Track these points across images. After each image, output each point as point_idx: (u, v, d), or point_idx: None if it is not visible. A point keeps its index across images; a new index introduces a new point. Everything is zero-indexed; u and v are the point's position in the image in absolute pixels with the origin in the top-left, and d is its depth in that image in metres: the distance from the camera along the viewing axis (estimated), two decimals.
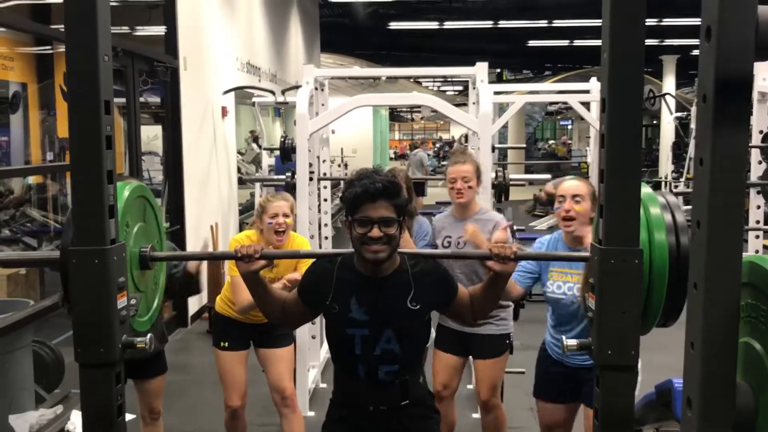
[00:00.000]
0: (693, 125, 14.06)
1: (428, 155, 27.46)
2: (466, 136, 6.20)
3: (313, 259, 2.44)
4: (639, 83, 1.49)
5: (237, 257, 2.06)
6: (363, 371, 2.18)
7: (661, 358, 3.07)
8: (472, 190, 3.42)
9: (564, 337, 1.72)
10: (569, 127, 39.42)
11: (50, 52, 6.81)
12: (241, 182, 8.63)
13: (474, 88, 5.17)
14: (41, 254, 2.05)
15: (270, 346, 3.51)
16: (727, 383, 1.04)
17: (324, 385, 5.00)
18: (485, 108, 4.54)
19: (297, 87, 6.37)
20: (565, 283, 2.85)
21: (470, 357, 3.65)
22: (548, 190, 8.17)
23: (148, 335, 1.62)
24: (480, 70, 4.98)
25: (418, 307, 2.17)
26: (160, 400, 3.38)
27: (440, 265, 2.32)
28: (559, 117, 39.01)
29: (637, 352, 1.56)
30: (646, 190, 1.62)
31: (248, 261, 2.04)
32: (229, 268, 3.43)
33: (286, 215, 3.33)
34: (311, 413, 4.40)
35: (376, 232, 2.07)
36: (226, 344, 3.48)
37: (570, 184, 2.85)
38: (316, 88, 5.24)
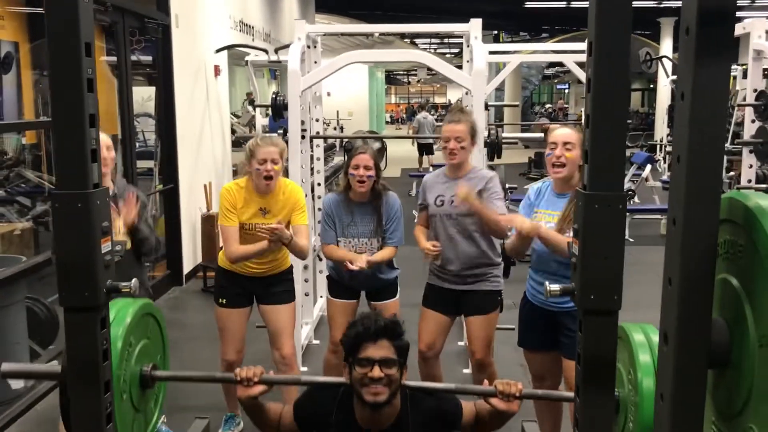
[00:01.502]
0: None
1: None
2: (461, 101, 6.14)
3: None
4: (627, 24, 1.47)
5: (236, 381, 2.07)
6: None
7: (637, 315, 3.09)
8: (465, 150, 3.36)
9: (546, 282, 1.73)
10: (566, 91, 39.23)
11: (42, 11, 6.70)
12: (236, 144, 8.59)
13: (468, 46, 5.12)
14: (43, 367, 2.10)
15: (271, 303, 3.50)
16: (703, 319, 1.04)
17: (317, 342, 5.04)
18: (478, 65, 4.49)
19: (290, 46, 6.30)
20: (547, 224, 2.86)
21: (459, 315, 3.66)
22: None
23: (134, 279, 1.62)
24: (474, 26, 4.92)
25: None
26: None
27: (444, 400, 2.30)
28: (556, 81, 38.79)
29: (620, 296, 1.56)
30: (656, 338, 1.59)
31: (247, 385, 2.05)
32: (219, 217, 3.43)
33: (274, 161, 3.29)
34: (304, 368, 4.44)
35: (377, 372, 2.06)
36: (224, 301, 3.48)
37: (562, 132, 2.86)
38: (309, 46, 5.18)
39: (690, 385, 1.04)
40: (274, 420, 2.26)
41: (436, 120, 16.17)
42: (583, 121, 6.40)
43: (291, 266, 3.62)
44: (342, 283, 3.64)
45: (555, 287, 1.65)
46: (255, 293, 3.52)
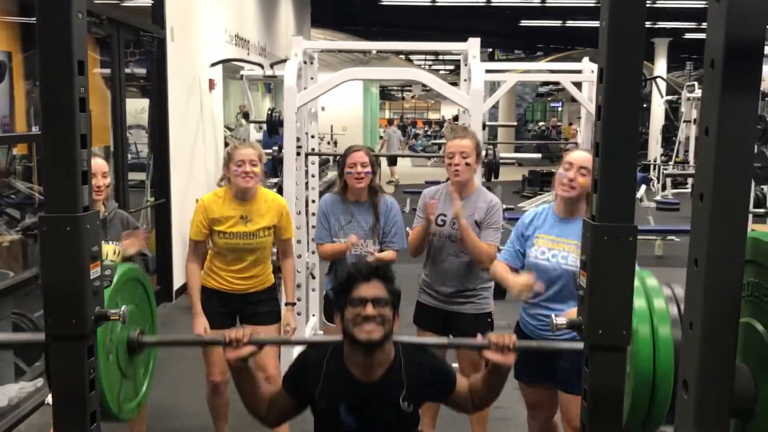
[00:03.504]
0: (683, 108, 14.05)
1: (419, 134, 28.13)
2: (456, 117, 6.15)
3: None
4: (639, 52, 1.43)
5: (225, 343, 1.98)
6: None
7: None
8: (471, 168, 3.27)
9: (553, 315, 1.67)
10: (559, 109, 39.37)
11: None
12: None
13: (466, 65, 5.09)
14: (26, 336, 2.01)
15: (254, 323, 3.46)
16: (726, 366, 0.99)
17: None
18: (477, 85, 4.46)
19: (286, 61, 6.27)
20: (550, 250, 2.75)
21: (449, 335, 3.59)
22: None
23: (123, 307, 1.56)
24: (472, 46, 4.89)
25: (410, 409, 2.10)
26: None
27: (436, 356, 2.23)
28: (549, 99, 38.94)
29: (629, 332, 1.51)
30: (651, 282, 1.53)
31: (236, 346, 1.97)
32: (192, 232, 3.37)
33: (253, 163, 3.25)
34: None
35: (370, 309, 1.99)
36: (209, 321, 3.41)
37: (580, 155, 2.72)
38: (305, 62, 5.14)
39: None
40: (264, 393, 2.17)
41: (428, 135, 16.17)
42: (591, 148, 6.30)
43: (275, 284, 3.57)
44: None
45: (561, 320, 1.60)
46: (238, 312, 3.46)
